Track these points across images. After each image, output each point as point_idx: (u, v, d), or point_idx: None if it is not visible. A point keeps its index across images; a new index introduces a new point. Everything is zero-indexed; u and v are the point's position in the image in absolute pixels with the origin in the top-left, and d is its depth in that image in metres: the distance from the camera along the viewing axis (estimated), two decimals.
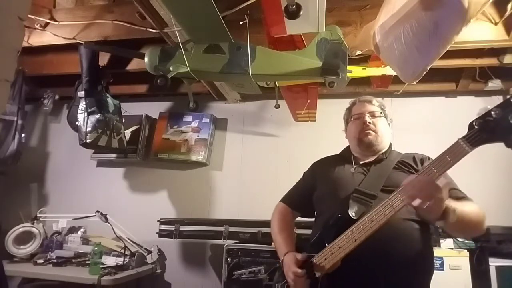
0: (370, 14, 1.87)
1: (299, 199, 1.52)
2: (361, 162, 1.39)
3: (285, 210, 1.52)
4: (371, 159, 1.39)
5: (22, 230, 2.53)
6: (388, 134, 1.44)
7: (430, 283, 1.21)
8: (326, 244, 1.16)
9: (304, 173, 1.58)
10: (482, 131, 0.95)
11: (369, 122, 1.40)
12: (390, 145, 1.45)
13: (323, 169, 1.49)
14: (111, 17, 2.09)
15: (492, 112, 0.95)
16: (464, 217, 1.04)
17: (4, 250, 2.43)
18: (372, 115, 1.43)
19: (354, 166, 1.38)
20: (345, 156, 1.47)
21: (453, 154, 0.98)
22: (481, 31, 1.83)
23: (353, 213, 1.18)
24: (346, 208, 1.20)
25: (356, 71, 1.98)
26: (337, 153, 1.56)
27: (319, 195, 1.42)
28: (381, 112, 1.45)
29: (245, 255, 2.17)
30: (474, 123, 0.97)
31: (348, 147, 1.52)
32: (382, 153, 1.39)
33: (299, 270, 1.16)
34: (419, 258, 1.17)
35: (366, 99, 1.49)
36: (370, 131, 1.39)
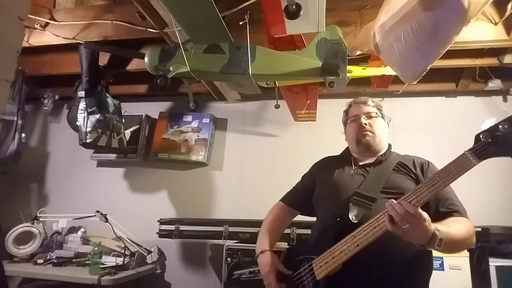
0: (370, 14, 1.87)
1: (298, 198, 1.52)
2: (360, 164, 1.39)
3: (282, 208, 1.53)
4: (371, 160, 1.39)
5: (22, 230, 2.53)
6: (385, 134, 1.44)
7: (429, 283, 1.22)
8: (327, 248, 1.15)
9: (304, 174, 1.58)
10: (490, 145, 0.94)
11: (365, 124, 1.40)
12: (389, 146, 1.44)
13: (322, 170, 1.49)
14: (111, 17, 2.09)
15: (500, 126, 0.94)
16: (450, 243, 1.04)
17: (4, 250, 2.42)
18: (368, 116, 1.43)
19: (354, 168, 1.38)
20: (345, 157, 1.47)
21: (459, 166, 0.97)
22: (481, 31, 1.83)
23: (353, 217, 1.18)
24: (346, 211, 1.20)
25: (356, 71, 1.98)
26: (337, 153, 1.56)
27: (318, 196, 1.42)
28: (377, 113, 1.44)
29: (245, 255, 2.17)
30: (481, 136, 0.96)
31: (348, 147, 1.52)
32: (381, 155, 1.39)
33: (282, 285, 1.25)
34: (418, 258, 1.17)
35: (361, 100, 1.49)
36: (367, 132, 1.39)
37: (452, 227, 1.08)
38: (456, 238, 1.07)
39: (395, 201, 1.01)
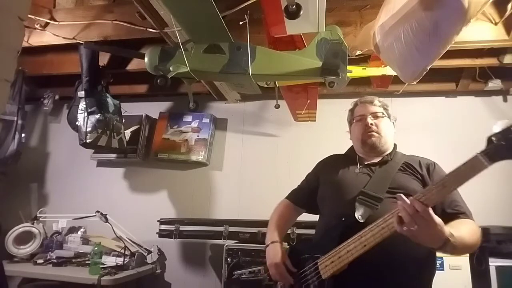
0: (370, 14, 1.87)
1: (303, 195, 1.52)
2: (365, 163, 1.39)
3: (288, 206, 1.53)
4: (376, 160, 1.39)
5: (22, 230, 2.53)
6: (391, 134, 1.43)
7: (432, 282, 1.22)
8: (332, 247, 1.15)
9: (309, 173, 1.58)
10: (503, 147, 0.94)
11: (371, 124, 1.39)
12: (395, 146, 1.44)
13: (327, 168, 1.49)
14: (111, 17, 2.09)
15: None
16: (461, 249, 1.04)
17: (4, 250, 2.43)
18: (374, 116, 1.42)
19: (359, 167, 1.38)
20: (350, 156, 1.47)
21: (471, 168, 0.96)
22: (481, 31, 1.82)
23: (360, 216, 1.18)
24: (351, 210, 1.20)
25: (356, 71, 1.98)
26: (338, 153, 1.56)
27: (322, 194, 1.42)
28: (383, 113, 1.43)
29: (245, 255, 2.17)
30: (493, 138, 0.95)
31: (353, 146, 1.51)
32: (387, 155, 1.38)
33: (289, 277, 1.26)
34: (423, 259, 1.17)
35: (367, 100, 1.47)
36: (373, 133, 1.38)
37: (464, 231, 1.07)
38: (467, 243, 1.07)
39: (404, 197, 0.99)
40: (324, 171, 1.49)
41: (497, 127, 0.97)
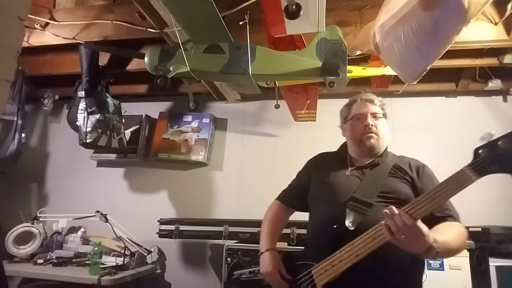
0: (370, 14, 1.88)
1: (293, 196, 1.51)
2: (357, 165, 1.36)
3: (279, 207, 1.52)
4: (367, 160, 1.36)
5: (22, 230, 2.53)
6: (388, 136, 1.40)
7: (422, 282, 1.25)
8: (325, 255, 1.15)
9: (299, 171, 1.56)
10: (489, 162, 0.92)
11: (372, 125, 1.35)
12: (386, 146, 1.42)
13: (317, 168, 1.47)
14: (111, 17, 2.09)
15: (500, 143, 0.91)
16: (445, 253, 1.06)
17: (4, 250, 2.43)
18: (374, 116, 1.38)
19: (350, 169, 1.35)
20: (341, 155, 1.44)
21: (459, 182, 0.95)
22: (481, 31, 1.83)
23: (350, 224, 1.17)
24: (342, 216, 1.20)
25: (356, 71, 1.98)
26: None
27: (313, 194, 1.41)
28: (382, 113, 1.41)
29: (245, 255, 2.17)
30: (479, 151, 0.94)
31: (345, 144, 1.48)
32: (378, 156, 1.36)
33: (284, 284, 1.26)
34: (415, 263, 1.18)
35: (368, 98, 1.43)
36: (372, 134, 1.35)
37: (449, 236, 1.08)
38: (452, 247, 1.08)
39: (394, 209, 1.00)
40: (315, 171, 1.46)
41: (484, 137, 0.95)
